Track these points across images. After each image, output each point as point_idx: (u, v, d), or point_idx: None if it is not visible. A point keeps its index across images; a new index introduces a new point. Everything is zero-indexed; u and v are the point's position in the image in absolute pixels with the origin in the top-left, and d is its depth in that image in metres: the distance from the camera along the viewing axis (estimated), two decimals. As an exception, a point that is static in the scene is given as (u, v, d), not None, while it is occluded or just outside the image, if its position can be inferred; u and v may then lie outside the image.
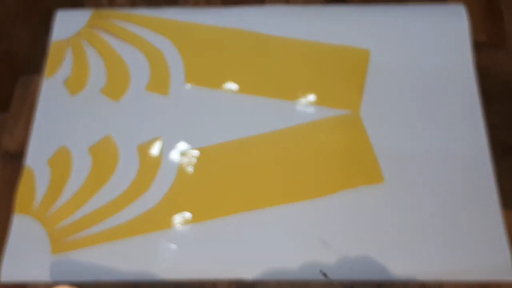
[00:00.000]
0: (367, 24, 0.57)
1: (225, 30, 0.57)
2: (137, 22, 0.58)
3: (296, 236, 0.47)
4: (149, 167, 0.51)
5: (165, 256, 0.47)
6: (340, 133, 0.52)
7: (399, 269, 0.46)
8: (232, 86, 0.55)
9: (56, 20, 0.59)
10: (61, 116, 0.54)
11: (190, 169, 0.51)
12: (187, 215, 0.49)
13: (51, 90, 0.55)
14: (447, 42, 0.56)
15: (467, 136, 0.51)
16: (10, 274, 0.47)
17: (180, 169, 0.50)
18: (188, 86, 0.55)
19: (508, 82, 0.54)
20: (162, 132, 0.52)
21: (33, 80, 0.56)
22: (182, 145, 0.52)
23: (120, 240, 0.48)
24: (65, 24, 0.59)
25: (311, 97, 0.53)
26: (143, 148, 0.52)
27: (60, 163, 0.51)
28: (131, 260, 0.47)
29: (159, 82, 0.55)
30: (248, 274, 0.46)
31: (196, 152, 0.51)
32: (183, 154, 0.51)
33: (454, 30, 0.56)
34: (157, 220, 0.48)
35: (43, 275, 0.47)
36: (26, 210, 0.49)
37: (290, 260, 0.47)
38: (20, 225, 0.49)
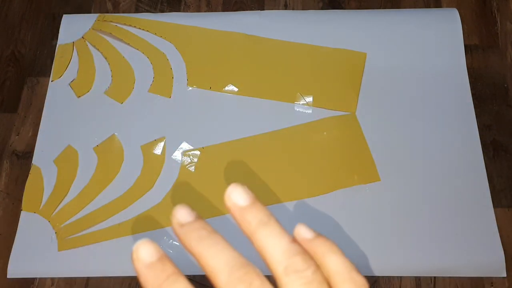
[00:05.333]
0: (363, 28, 0.58)
1: (226, 34, 0.58)
2: (141, 26, 0.59)
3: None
4: (152, 166, 0.52)
5: (168, 253, 0.48)
6: (337, 134, 0.53)
7: (395, 265, 0.47)
8: (232, 88, 0.56)
9: (62, 24, 0.60)
10: (67, 117, 0.55)
11: (191, 168, 0.52)
12: (189, 213, 0.50)
13: (57, 92, 0.56)
14: (441, 46, 0.57)
15: (460, 136, 0.52)
16: (17, 270, 0.48)
17: (182, 168, 0.52)
18: (190, 88, 0.56)
19: (500, 83, 0.56)
20: (165, 132, 0.53)
21: (40, 82, 0.57)
22: (184, 145, 0.53)
23: (124, 237, 0.49)
24: (71, 28, 0.60)
25: (309, 99, 0.55)
26: (147, 148, 0.53)
27: (66, 162, 0.52)
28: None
29: (162, 85, 0.56)
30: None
31: (197, 152, 0.53)
32: (185, 153, 0.52)
33: (448, 33, 0.58)
34: (160, 218, 0.50)
35: (49, 272, 0.48)
36: (33, 208, 0.50)
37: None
38: (28, 223, 0.50)
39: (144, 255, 0.14)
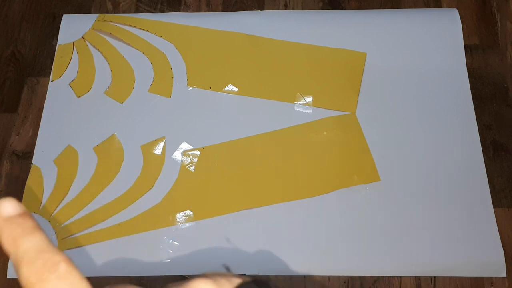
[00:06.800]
0: (363, 28, 0.58)
1: (226, 34, 0.58)
2: (141, 26, 0.59)
3: (295, 234, 0.49)
4: (152, 166, 0.52)
5: (167, 253, 0.48)
6: (337, 134, 0.53)
7: (395, 265, 0.47)
8: (232, 88, 0.56)
9: (62, 24, 0.60)
10: (67, 117, 0.55)
11: (191, 168, 0.52)
12: (189, 213, 0.50)
13: (57, 92, 0.56)
14: (441, 46, 0.57)
15: (460, 136, 0.53)
16: (17, 270, 0.48)
17: (182, 168, 0.52)
18: (190, 88, 0.56)
19: (500, 83, 0.56)
20: (165, 132, 0.53)
21: (40, 82, 0.57)
22: (184, 145, 0.53)
23: (124, 237, 0.49)
24: (71, 28, 0.60)
25: (309, 99, 0.55)
26: (147, 148, 0.53)
27: (66, 162, 0.52)
28: (135, 257, 0.48)
29: (162, 85, 0.56)
30: (248, 269, 0.47)
31: (197, 152, 0.53)
32: (185, 153, 0.52)
33: (448, 34, 0.58)
34: (160, 218, 0.50)
35: (49, 271, 0.48)
36: (33, 208, 0.50)
37: (288, 257, 0.48)
38: (27, 222, 0.50)
39: (4, 210, 0.14)
